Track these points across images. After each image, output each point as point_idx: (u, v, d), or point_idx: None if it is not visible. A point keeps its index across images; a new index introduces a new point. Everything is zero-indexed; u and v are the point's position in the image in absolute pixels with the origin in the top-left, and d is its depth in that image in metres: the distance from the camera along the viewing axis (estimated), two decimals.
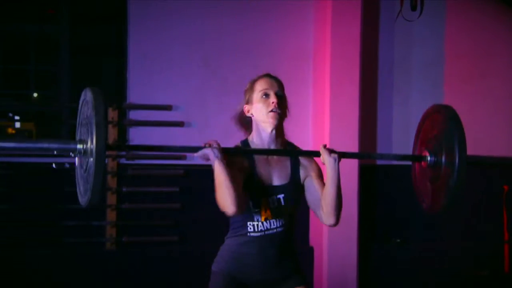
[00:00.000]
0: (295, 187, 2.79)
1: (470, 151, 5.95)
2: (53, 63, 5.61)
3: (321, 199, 2.76)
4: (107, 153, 2.99)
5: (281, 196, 2.75)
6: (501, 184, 5.60)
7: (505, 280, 5.52)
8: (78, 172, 2.63)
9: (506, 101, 5.89)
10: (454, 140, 2.66)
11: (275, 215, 2.74)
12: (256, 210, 2.73)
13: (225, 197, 2.57)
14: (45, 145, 2.54)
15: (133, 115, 5.25)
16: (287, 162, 2.81)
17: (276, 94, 2.76)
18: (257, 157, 2.77)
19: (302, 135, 5.33)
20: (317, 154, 2.77)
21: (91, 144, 2.39)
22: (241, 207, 2.60)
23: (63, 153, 2.56)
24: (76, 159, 2.60)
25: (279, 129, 2.79)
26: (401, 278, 5.61)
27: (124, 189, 5.15)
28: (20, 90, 6.12)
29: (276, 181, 2.77)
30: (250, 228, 2.75)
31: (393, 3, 5.50)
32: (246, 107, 2.83)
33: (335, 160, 2.74)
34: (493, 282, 5.52)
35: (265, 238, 2.75)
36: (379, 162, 5.65)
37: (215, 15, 5.36)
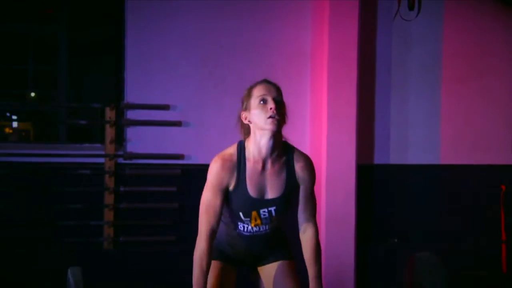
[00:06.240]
0: (288, 198, 2.76)
1: (468, 150, 5.97)
2: (51, 63, 5.62)
3: (300, 220, 2.83)
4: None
5: (272, 208, 2.73)
6: (499, 184, 5.60)
7: (503, 280, 5.52)
8: None
9: (503, 101, 5.89)
10: None
11: (265, 223, 2.77)
12: (246, 219, 2.74)
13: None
14: None
15: (131, 114, 5.25)
16: (282, 174, 2.74)
17: (274, 100, 2.66)
18: (249, 169, 2.69)
19: (300, 136, 5.33)
20: None
21: None
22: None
23: None
24: None
25: (277, 138, 2.69)
26: (398, 277, 5.61)
27: (121, 189, 5.15)
28: (18, 89, 6.13)
29: (269, 194, 2.72)
30: (240, 228, 2.79)
31: (390, 3, 5.50)
32: (243, 114, 2.73)
33: None
34: (491, 282, 5.52)
35: (254, 237, 2.81)
36: (377, 161, 5.65)
37: (213, 15, 5.36)
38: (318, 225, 5.54)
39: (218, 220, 2.71)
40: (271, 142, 2.68)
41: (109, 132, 5.16)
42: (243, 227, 2.77)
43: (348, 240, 5.28)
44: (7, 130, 6.64)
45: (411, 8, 5.16)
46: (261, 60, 5.38)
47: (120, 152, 5.19)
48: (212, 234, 2.70)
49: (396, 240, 5.65)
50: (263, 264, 2.92)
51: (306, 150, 5.29)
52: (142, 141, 5.22)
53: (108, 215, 5.13)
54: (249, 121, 2.70)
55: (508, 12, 5.85)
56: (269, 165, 2.71)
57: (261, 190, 2.71)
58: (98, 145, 5.29)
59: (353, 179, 5.29)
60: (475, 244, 5.71)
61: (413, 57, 5.70)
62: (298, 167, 2.75)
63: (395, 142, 5.66)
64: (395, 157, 5.65)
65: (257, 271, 2.97)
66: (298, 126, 5.37)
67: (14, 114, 6.88)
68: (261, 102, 2.66)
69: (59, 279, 5.08)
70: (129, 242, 5.19)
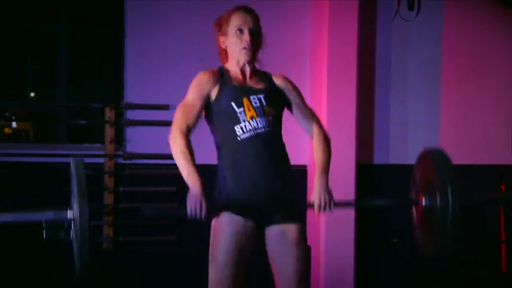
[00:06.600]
0: (274, 92, 2.88)
1: (468, 150, 5.97)
2: (51, 63, 5.61)
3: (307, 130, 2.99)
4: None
5: (261, 96, 2.82)
6: (499, 184, 5.60)
7: (502, 280, 5.52)
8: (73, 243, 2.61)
9: (503, 100, 5.89)
10: (447, 186, 2.67)
11: (259, 114, 2.78)
12: (240, 110, 2.77)
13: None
14: (38, 216, 2.53)
15: (130, 114, 5.25)
16: (263, 82, 2.91)
17: (250, 31, 2.86)
18: (231, 76, 2.87)
19: (300, 135, 5.31)
20: (311, 205, 2.77)
21: (76, 213, 2.43)
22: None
23: (57, 222, 2.53)
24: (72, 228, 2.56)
25: (253, 61, 2.92)
26: (398, 277, 5.61)
27: (121, 189, 5.15)
28: (17, 89, 6.12)
29: (255, 86, 2.87)
30: (239, 131, 2.77)
31: (390, 3, 5.50)
32: (221, 39, 2.93)
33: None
34: (491, 282, 5.52)
35: (256, 138, 2.76)
36: (377, 161, 5.65)
37: (212, 14, 5.33)
38: (317, 225, 5.55)
39: (195, 122, 2.79)
40: (246, 64, 2.90)
41: (109, 132, 5.16)
42: (241, 128, 2.76)
43: (348, 240, 5.27)
44: (6, 130, 6.63)
45: (410, 8, 5.17)
46: (260, 59, 5.37)
47: (120, 152, 5.19)
48: (188, 133, 2.76)
49: (395, 240, 5.65)
50: (272, 222, 2.80)
51: (306, 149, 5.32)
52: (142, 141, 5.22)
53: (108, 215, 5.13)
54: (226, 46, 2.92)
55: (508, 12, 5.85)
56: (248, 74, 2.90)
57: (247, 85, 2.87)
58: (98, 145, 5.29)
59: (352, 179, 5.29)
60: (475, 244, 5.71)
61: (412, 56, 5.70)
62: (277, 80, 2.96)
63: (395, 141, 5.66)
64: (395, 157, 5.65)
65: (265, 233, 2.85)
66: (297, 126, 5.35)
67: (14, 114, 6.86)
68: (238, 31, 2.87)
69: (59, 279, 5.08)
70: (128, 242, 5.19)
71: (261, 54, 5.35)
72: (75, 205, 2.36)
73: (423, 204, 2.82)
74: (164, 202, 5.24)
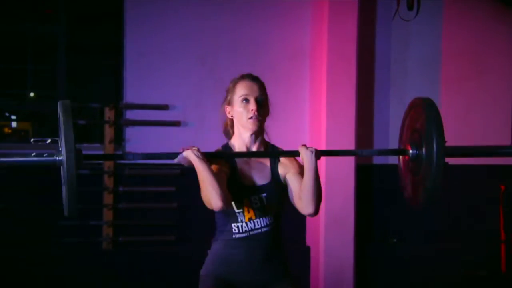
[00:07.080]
0: (277, 186, 2.76)
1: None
2: (50, 63, 5.62)
3: (300, 190, 2.70)
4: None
5: (263, 195, 2.73)
6: (498, 184, 5.59)
7: (502, 280, 5.51)
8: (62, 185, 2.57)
9: (502, 99, 5.88)
10: (432, 135, 2.68)
11: (258, 215, 2.72)
12: (239, 210, 2.71)
13: (211, 192, 2.56)
14: (23, 159, 2.52)
15: (130, 114, 5.25)
16: (267, 162, 2.79)
17: (256, 100, 2.75)
18: (237, 159, 2.77)
19: (299, 133, 5.32)
20: (297, 153, 2.71)
21: (63, 155, 2.36)
22: (227, 201, 2.59)
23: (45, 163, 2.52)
24: (61, 170, 2.53)
25: (259, 133, 2.80)
26: (398, 278, 5.61)
27: (121, 189, 5.15)
28: (17, 89, 6.13)
29: (258, 180, 2.75)
30: (235, 230, 2.74)
31: (390, 2, 5.50)
32: (227, 108, 2.84)
33: (311, 152, 2.68)
34: (490, 282, 5.52)
35: (251, 239, 2.74)
36: (376, 161, 5.65)
37: (212, 13, 5.36)
38: (317, 226, 5.54)
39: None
40: (253, 136, 2.78)
41: (108, 132, 5.16)
42: (238, 227, 2.73)
43: (347, 240, 5.27)
44: (6, 130, 6.64)
45: (410, 8, 5.17)
46: (260, 58, 5.38)
47: (119, 152, 5.19)
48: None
49: (395, 240, 5.65)
50: None
51: None
52: (141, 141, 5.22)
53: (107, 215, 5.14)
54: (232, 116, 2.82)
55: (507, 12, 5.85)
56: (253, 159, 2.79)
57: (250, 177, 2.75)
58: (97, 145, 5.29)
59: (352, 179, 5.28)
60: (475, 244, 5.71)
61: (412, 55, 5.69)
62: (285, 161, 2.79)
63: (394, 141, 5.62)
64: (394, 157, 5.63)
65: None
66: (297, 124, 5.36)
67: (13, 114, 6.88)
68: (244, 101, 2.75)
69: (59, 279, 5.08)
70: (128, 242, 5.19)
71: (261, 54, 5.41)
72: (63, 150, 2.34)
73: (410, 153, 2.83)
74: (164, 202, 5.25)
